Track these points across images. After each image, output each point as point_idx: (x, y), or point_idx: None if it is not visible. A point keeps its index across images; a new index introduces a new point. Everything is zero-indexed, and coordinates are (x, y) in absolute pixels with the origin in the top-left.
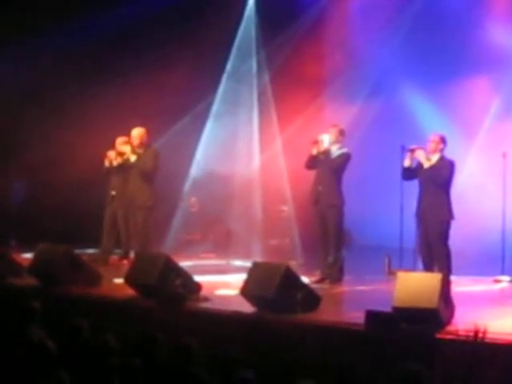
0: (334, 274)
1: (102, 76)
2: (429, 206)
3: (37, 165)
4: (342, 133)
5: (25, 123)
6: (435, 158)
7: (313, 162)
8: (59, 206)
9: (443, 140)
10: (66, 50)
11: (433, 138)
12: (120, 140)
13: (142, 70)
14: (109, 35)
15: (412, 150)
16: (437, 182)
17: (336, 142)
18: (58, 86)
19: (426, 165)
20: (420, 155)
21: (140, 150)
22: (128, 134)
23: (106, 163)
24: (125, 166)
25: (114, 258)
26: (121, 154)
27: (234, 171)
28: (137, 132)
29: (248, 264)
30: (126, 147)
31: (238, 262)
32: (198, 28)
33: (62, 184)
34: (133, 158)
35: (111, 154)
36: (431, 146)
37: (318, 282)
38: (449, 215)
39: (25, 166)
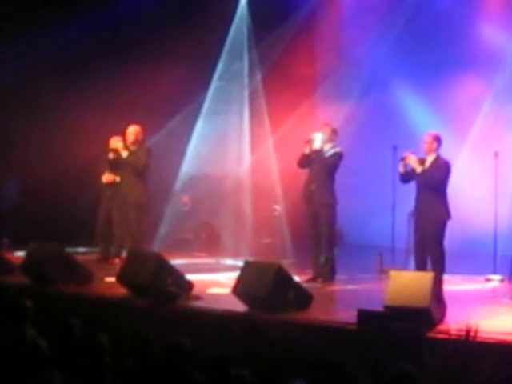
0: (326, 273)
1: (95, 75)
2: (425, 206)
3: (29, 163)
4: (334, 132)
5: (18, 122)
6: (431, 158)
7: (305, 161)
8: (51, 205)
9: (437, 139)
10: (57, 50)
11: (425, 138)
12: (114, 140)
13: (134, 69)
14: (101, 35)
15: (403, 158)
16: (431, 185)
17: (329, 141)
18: (50, 86)
19: (419, 170)
20: (411, 161)
21: (133, 148)
22: (120, 133)
23: (110, 156)
24: (117, 162)
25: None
26: (113, 150)
27: (226, 171)
28: (132, 129)
29: (239, 263)
30: (119, 143)
31: (229, 261)
32: (189, 27)
33: (54, 183)
34: (124, 154)
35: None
36: (425, 147)
37: (309, 280)
38: (445, 215)
39: (17, 165)
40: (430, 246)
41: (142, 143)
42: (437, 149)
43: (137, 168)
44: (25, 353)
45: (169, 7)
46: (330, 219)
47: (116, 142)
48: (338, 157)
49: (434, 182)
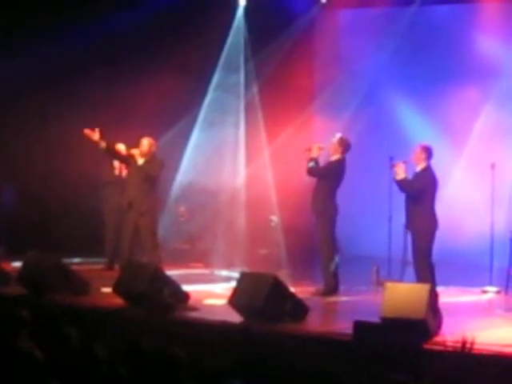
0: (330, 284)
1: (92, 86)
2: (409, 217)
3: (26, 172)
4: (341, 143)
5: (16, 132)
6: (419, 168)
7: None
8: (49, 214)
9: (424, 149)
10: (55, 60)
11: (414, 148)
12: (119, 146)
13: (131, 80)
14: (96, 45)
15: (393, 166)
16: (410, 194)
17: (335, 152)
18: (48, 97)
19: (398, 177)
20: (399, 169)
21: (147, 157)
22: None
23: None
24: (129, 162)
25: (100, 266)
26: (130, 155)
27: (222, 181)
28: (147, 140)
29: (235, 274)
30: (136, 150)
31: (224, 272)
32: (186, 39)
33: (51, 192)
34: (140, 161)
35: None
36: (413, 156)
37: (317, 293)
38: (429, 226)
39: (14, 174)
40: (416, 258)
41: (155, 154)
42: (426, 159)
43: (150, 176)
44: (20, 363)
45: (165, 18)
46: (322, 229)
47: (123, 150)
48: (327, 165)
49: (411, 192)
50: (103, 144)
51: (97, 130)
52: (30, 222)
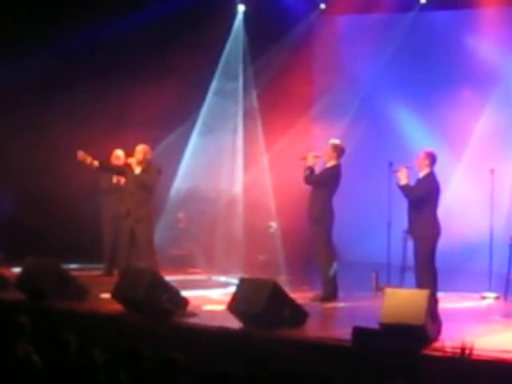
0: (327, 291)
1: (90, 93)
2: (411, 223)
3: (25, 177)
4: (335, 149)
5: (13, 138)
6: (422, 174)
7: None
8: (47, 219)
9: (428, 155)
10: (53, 67)
11: (417, 154)
12: (117, 152)
13: (130, 87)
14: (96, 53)
15: (396, 171)
16: (412, 200)
17: (329, 159)
18: (47, 104)
19: (401, 182)
20: (401, 175)
21: (143, 165)
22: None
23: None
24: (125, 173)
25: (99, 272)
26: (127, 165)
27: (221, 187)
28: (141, 147)
29: (234, 280)
30: (132, 159)
31: (223, 278)
32: (185, 45)
33: (50, 197)
34: (137, 170)
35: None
36: (416, 162)
37: (316, 299)
38: (432, 233)
39: (12, 178)
40: (418, 264)
41: (151, 162)
42: (429, 165)
43: (146, 184)
44: (18, 369)
45: (164, 24)
46: (320, 235)
47: (122, 156)
48: (324, 171)
49: (414, 198)
50: (96, 163)
51: (89, 158)
52: (28, 227)
